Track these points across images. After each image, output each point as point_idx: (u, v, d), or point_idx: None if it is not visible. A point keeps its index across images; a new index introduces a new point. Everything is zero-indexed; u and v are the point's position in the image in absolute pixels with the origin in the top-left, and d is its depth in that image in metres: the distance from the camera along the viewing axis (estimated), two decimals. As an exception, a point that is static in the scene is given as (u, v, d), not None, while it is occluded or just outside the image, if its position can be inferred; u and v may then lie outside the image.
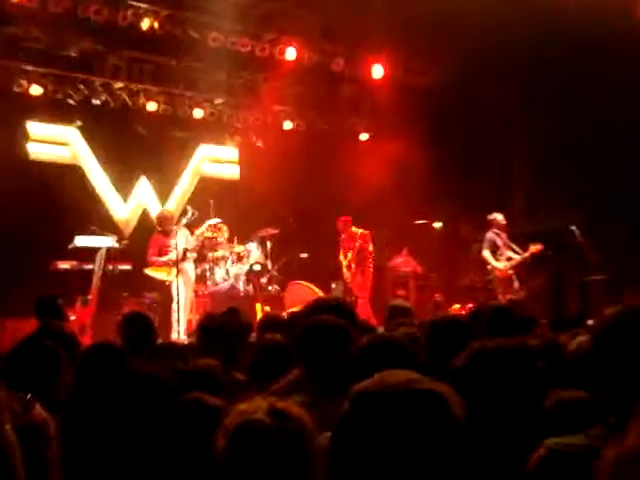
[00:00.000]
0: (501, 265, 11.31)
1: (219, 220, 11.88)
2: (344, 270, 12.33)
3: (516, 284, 11.29)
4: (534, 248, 11.13)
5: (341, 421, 1.58)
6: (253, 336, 5.29)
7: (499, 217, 11.48)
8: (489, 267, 11.46)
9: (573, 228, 11.18)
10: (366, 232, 12.22)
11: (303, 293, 11.00)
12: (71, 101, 12.14)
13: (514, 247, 11.38)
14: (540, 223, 12.74)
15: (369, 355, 2.77)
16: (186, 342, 8.67)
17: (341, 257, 12.41)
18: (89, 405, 2.73)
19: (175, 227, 10.99)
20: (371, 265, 12.22)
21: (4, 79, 11.39)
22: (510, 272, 11.30)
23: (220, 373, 3.37)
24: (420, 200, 13.62)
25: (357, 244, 12.14)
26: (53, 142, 12.75)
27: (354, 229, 12.24)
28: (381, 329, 5.29)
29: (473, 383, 2.24)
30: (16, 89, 11.46)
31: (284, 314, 6.91)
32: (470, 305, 11.46)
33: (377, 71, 13.46)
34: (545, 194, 13.23)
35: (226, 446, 1.79)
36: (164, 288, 11.02)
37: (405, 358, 2.79)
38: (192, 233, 11.20)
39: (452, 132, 13.67)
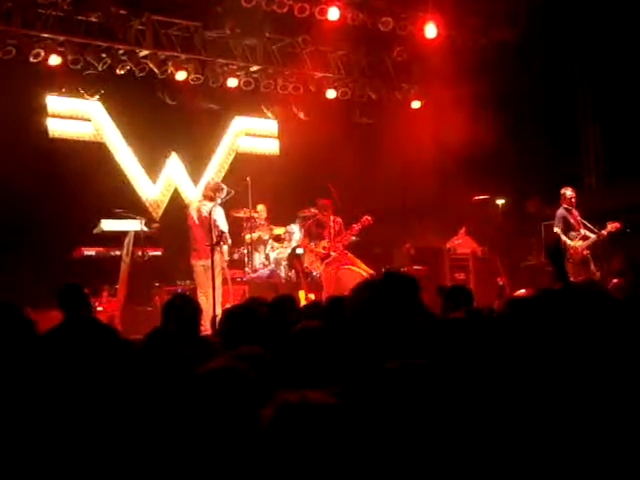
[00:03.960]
0: (575, 244, 11.19)
1: None
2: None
3: (592, 266, 11.18)
4: (611, 226, 11.06)
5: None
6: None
7: (568, 192, 11.41)
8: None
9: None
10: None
11: (352, 279, 10.44)
12: (93, 71, 12.01)
13: (588, 225, 11.29)
14: (618, 198, 12.59)
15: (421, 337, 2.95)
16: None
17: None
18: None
19: (210, 204, 10.41)
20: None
21: (20, 48, 11.15)
22: (585, 252, 11.22)
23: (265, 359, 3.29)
24: (480, 174, 13.39)
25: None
26: (74, 117, 12.68)
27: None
28: None
29: None
30: (33, 59, 11.30)
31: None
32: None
33: (430, 30, 13.03)
34: (623, 163, 13.04)
35: (272, 417, 1.97)
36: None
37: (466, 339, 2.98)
38: (227, 214, 10.86)
39: (514, 97, 13.55)
